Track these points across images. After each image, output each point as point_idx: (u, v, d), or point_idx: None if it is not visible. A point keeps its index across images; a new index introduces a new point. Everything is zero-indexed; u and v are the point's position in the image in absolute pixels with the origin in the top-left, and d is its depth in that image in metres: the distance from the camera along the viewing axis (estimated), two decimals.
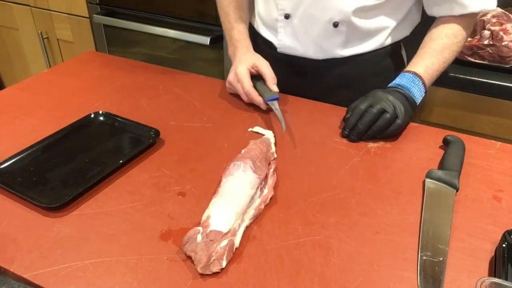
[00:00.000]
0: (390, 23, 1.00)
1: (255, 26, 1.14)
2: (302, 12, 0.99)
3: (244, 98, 0.98)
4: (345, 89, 0.96)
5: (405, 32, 1.05)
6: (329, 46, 1.01)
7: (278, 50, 1.08)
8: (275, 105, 0.92)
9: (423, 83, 0.90)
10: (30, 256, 0.61)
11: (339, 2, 0.94)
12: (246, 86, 0.96)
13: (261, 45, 1.13)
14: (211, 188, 0.73)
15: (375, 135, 0.86)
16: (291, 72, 1.10)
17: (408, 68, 0.93)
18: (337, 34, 0.99)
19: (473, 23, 0.99)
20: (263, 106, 0.95)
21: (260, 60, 0.99)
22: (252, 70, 0.98)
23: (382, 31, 1.01)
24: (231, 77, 1.01)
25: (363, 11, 0.96)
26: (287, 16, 1.01)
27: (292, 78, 1.10)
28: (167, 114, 0.96)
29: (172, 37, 1.76)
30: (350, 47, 1.02)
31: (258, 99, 0.95)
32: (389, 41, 1.03)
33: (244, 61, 0.99)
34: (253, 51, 1.04)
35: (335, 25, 0.97)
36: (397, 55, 1.07)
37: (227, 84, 1.03)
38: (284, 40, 1.05)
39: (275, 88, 0.95)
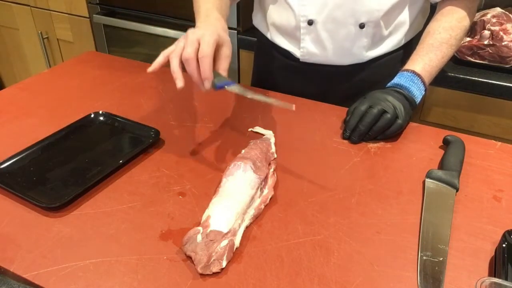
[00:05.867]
0: (410, 17, 1.00)
1: (269, 37, 1.10)
2: (327, 16, 0.97)
3: (192, 65, 0.72)
4: (363, 95, 0.91)
5: (419, 26, 1.06)
6: (355, 49, 1.00)
7: (301, 59, 1.06)
8: (232, 87, 0.74)
9: (422, 81, 0.90)
10: (30, 256, 0.61)
11: (367, 2, 0.93)
12: (206, 50, 0.72)
13: (276, 55, 1.11)
14: (211, 188, 0.73)
15: (376, 135, 0.86)
16: (310, 81, 1.09)
17: (406, 66, 0.92)
18: (363, 35, 0.98)
19: (474, 9, 0.97)
20: (207, 85, 0.73)
21: (226, 37, 0.79)
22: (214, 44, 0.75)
23: (403, 27, 1.01)
24: (192, 36, 0.74)
25: (391, 9, 0.95)
26: (310, 22, 0.99)
27: (310, 87, 1.09)
28: (167, 114, 0.96)
29: (172, 37, 1.76)
30: (375, 48, 1.02)
31: (208, 72, 0.71)
32: (407, 37, 1.03)
33: (212, 28, 0.77)
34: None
35: (362, 26, 0.96)
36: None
37: (173, 51, 0.75)
38: (308, 48, 1.03)
39: (223, 74, 0.76)
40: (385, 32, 1.00)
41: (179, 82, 0.72)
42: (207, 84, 0.72)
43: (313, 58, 1.05)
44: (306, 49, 1.03)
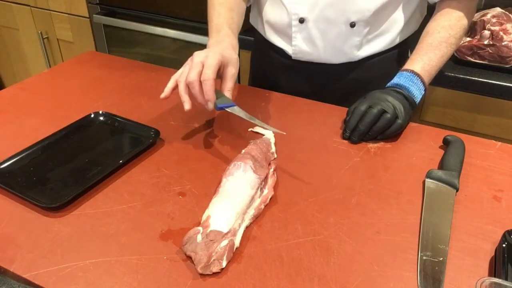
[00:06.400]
0: (403, 17, 1.00)
1: (264, 34, 1.11)
2: (318, 14, 0.97)
3: (196, 88, 0.78)
4: (359, 94, 0.91)
5: (415, 26, 1.06)
6: (346, 48, 1.01)
7: (293, 56, 1.06)
8: (232, 109, 0.80)
9: (422, 81, 0.90)
10: (30, 256, 0.61)
11: (358, 1, 0.94)
12: (207, 73, 0.77)
13: (272, 54, 1.11)
14: (211, 188, 0.73)
15: (376, 135, 0.86)
16: (304, 79, 1.09)
17: (405, 66, 0.92)
18: (354, 34, 0.98)
19: (473, 8, 0.97)
20: (210, 106, 0.79)
21: (232, 55, 0.84)
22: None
23: (396, 26, 1.01)
24: (197, 59, 0.79)
25: (381, 9, 0.96)
26: (301, 20, 0.99)
27: (305, 86, 1.09)
28: (167, 114, 0.96)
29: (172, 37, 1.76)
30: (366, 47, 1.02)
31: (210, 94, 0.77)
32: (401, 37, 1.03)
33: (217, 49, 0.82)
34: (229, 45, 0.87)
35: (352, 25, 0.97)
36: (406, 57, 1.07)
37: (180, 74, 0.81)
38: (300, 46, 1.03)
39: (228, 95, 0.81)
40: (377, 31, 1.00)
41: (186, 105, 0.79)
42: (210, 105, 0.79)
43: (305, 56, 1.05)
44: (298, 47, 1.04)
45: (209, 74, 0.77)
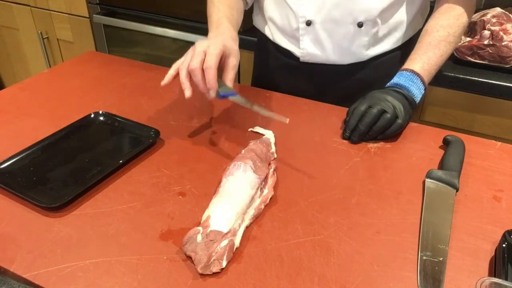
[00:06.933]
0: (409, 15, 1.00)
1: (270, 36, 1.11)
2: (325, 16, 0.97)
3: (198, 76, 0.77)
4: (364, 94, 0.90)
5: (418, 25, 1.06)
6: (354, 48, 1.01)
7: (301, 59, 1.06)
8: (234, 98, 0.79)
9: (422, 80, 0.90)
10: (30, 256, 0.61)
11: (365, 1, 0.94)
12: (210, 61, 0.76)
13: (277, 55, 1.11)
14: (211, 188, 0.73)
15: (376, 135, 0.86)
16: (311, 80, 1.09)
17: (405, 66, 0.92)
18: (362, 34, 0.99)
19: (473, 6, 0.97)
20: (211, 94, 0.78)
21: (234, 47, 0.84)
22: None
23: (402, 25, 1.01)
24: (199, 48, 0.79)
25: (388, 7, 0.96)
26: (308, 23, 0.99)
27: (310, 86, 1.09)
28: (167, 114, 0.96)
29: (172, 37, 1.76)
30: (374, 46, 1.02)
31: (212, 82, 0.76)
32: (407, 36, 1.04)
33: (219, 40, 0.82)
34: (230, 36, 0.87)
35: (360, 25, 0.97)
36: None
37: (181, 63, 0.80)
38: (308, 48, 1.03)
39: (229, 84, 0.81)
40: (384, 31, 1.00)
41: (187, 92, 0.78)
42: (212, 93, 0.78)
43: (313, 59, 1.05)
44: (306, 50, 1.04)
45: (212, 62, 0.76)
